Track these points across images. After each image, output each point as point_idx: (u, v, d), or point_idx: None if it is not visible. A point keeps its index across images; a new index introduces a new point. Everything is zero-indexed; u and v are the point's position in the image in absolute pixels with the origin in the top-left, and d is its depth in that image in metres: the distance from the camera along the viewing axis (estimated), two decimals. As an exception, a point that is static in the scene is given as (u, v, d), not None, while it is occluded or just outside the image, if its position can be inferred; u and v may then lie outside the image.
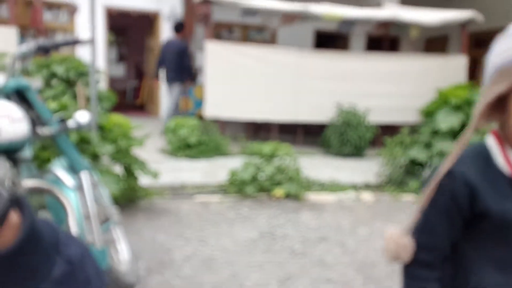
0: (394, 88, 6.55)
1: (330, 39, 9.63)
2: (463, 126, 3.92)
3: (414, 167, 4.32)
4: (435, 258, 0.80)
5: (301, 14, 5.97)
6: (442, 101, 4.13)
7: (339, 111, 6.02)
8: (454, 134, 3.95)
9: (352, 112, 5.95)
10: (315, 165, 4.99)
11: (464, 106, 3.92)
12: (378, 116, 6.24)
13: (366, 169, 5.20)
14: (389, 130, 7.59)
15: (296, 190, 3.81)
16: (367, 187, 4.50)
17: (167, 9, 8.29)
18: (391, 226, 0.87)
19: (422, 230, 0.81)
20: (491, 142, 0.77)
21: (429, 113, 4.29)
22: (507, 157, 0.74)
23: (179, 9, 8.37)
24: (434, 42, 10.22)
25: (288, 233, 3.12)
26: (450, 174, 0.77)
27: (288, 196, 3.85)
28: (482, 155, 0.76)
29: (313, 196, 3.96)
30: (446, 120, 3.93)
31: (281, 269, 2.55)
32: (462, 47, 6.93)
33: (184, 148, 5.12)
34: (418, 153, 4.15)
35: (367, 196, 4.09)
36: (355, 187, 4.42)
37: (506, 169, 0.74)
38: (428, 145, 4.16)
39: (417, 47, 10.15)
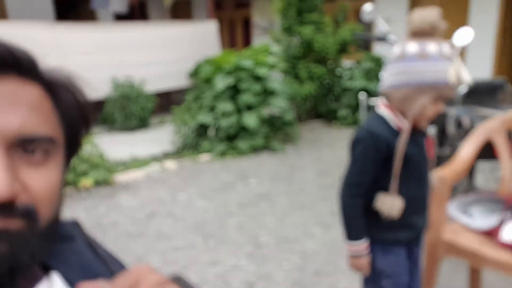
0: (162, 55, 6.96)
1: (71, 8, 9.01)
2: (235, 87, 4.72)
3: (203, 130, 4.95)
4: (363, 190, 1.29)
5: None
6: (216, 68, 4.80)
7: (115, 85, 6.01)
8: (230, 95, 4.72)
9: (129, 85, 6.05)
10: (107, 145, 4.98)
11: (235, 71, 4.70)
12: (151, 84, 6.53)
13: (158, 139, 5.55)
14: (164, 96, 8.05)
15: (104, 175, 3.83)
16: (167, 156, 4.88)
17: None
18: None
19: (357, 173, 1.28)
20: (386, 113, 1.27)
21: (207, 80, 4.91)
22: (398, 119, 1.27)
23: None
24: (179, 7, 10.98)
25: (116, 219, 3.22)
26: (373, 135, 1.25)
27: (97, 183, 3.84)
28: (382, 121, 1.28)
29: (122, 177, 4.07)
30: (222, 84, 4.63)
31: (126, 254, 2.71)
32: (208, 12, 7.90)
33: None
34: (204, 117, 4.76)
35: (170, 164, 4.48)
36: (156, 159, 4.73)
37: (397, 127, 1.27)
38: (211, 108, 4.81)
39: (165, 14, 10.68)
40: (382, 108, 1.30)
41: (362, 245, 1.31)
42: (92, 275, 0.60)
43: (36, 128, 0.48)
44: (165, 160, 4.70)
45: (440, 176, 1.80)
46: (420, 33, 1.18)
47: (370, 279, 1.39)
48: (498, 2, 6.06)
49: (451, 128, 2.33)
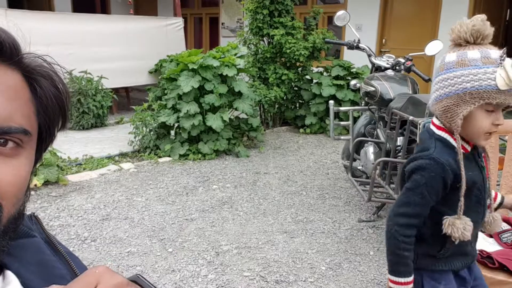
0: (123, 51, 6.83)
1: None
2: (201, 88, 4.70)
3: (165, 131, 4.88)
4: (420, 222, 1.21)
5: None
6: (181, 66, 4.75)
7: (70, 79, 5.83)
8: (195, 95, 4.68)
9: (85, 80, 5.88)
10: (60, 143, 4.81)
11: (200, 70, 4.67)
12: (110, 81, 6.37)
13: (115, 138, 5.42)
14: (123, 94, 7.89)
15: (56, 175, 3.69)
16: (124, 156, 4.77)
17: None
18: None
19: (416, 204, 1.20)
20: (442, 134, 1.19)
21: (171, 78, 4.85)
22: (456, 141, 1.17)
23: None
24: (143, 2, 10.84)
25: (68, 221, 3.11)
26: (438, 162, 1.17)
27: (48, 183, 3.70)
28: (444, 145, 1.19)
29: (75, 177, 3.94)
30: (187, 84, 4.60)
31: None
32: (175, 8, 7.84)
33: None
34: (167, 117, 4.69)
35: (127, 166, 4.38)
36: (113, 159, 4.62)
37: (460, 150, 1.16)
38: (174, 109, 4.76)
39: (128, 8, 10.47)
40: (435, 129, 1.22)
41: (409, 281, 1.24)
42: (50, 274, 0.58)
43: (11, 118, 0.47)
44: (122, 161, 4.60)
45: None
46: (460, 42, 1.14)
47: None
48: (467, 15, 6.39)
49: (419, 139, 2.42)
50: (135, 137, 4.88)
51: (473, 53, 1.12)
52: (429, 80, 3.37)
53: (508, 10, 6.91)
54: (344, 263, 2.63)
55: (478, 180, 1.22)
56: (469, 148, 1.21)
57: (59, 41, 5.88)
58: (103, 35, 6.60)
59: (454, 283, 1.30)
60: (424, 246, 1.26)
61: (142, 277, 0.50)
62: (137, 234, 2.98)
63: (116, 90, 6.93)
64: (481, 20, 1.12)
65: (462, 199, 1.17)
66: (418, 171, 1.20)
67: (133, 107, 5.10)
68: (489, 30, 1.12)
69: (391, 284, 1.25)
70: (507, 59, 1.08)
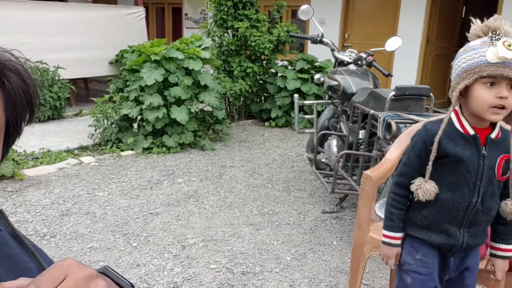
0: (81, 40, 6.63)
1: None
2: (165, 80, 4.65)
3: (127, 123, 4.80)
4: (408, 182, 1.37)
5: None
6: (143, 57, 4.68)
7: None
8: (159, 87, 4.63)
9: (41, 70, 5.68)
10: (15, 136, 4.64)
11: (163, 62, 4.62)
12: (68, 71, 6.18)
13: (74, 131, 5.29)
14: (82, 85, 7.67)
15: (11, 169, 3.57)
16: (84, 150, 4.66)
17: None
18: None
19: (404, 164, 1.40)
20: (453, 115, 1.33)
21: (132, 70, 4.77)
22: (461, 123, 1.31)
23: None
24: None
25: (25, 217, 3.02)
26: (426, 129, 1.35)
27: (2, 178, 3.57)
28: (448, 122, 1.32)
29: (31, 172, 3.82)
30: (150, 77, 4.54)
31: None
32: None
33: None
34: (129, 110, 4.62)
35: (88, 159, 4.28)
36: (72, 153, 4.50)
37: (460, 129, 1.31)
38: (137, 101, 4.69)
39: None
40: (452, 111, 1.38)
41: (395, 236, 1.43)
42: (18, 267, 0.59)
43: None
44: (82, 155, 4.50)
45: (366, 177, 1.95)
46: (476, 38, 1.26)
47: (399, 271, 1.49)
48: (424, 15, 6.65)
49: (380, 132, 2.53)
50: (95, 130, 4.78)
51: (475, 41, 1.26)
52: (389, 75, 3.51)
53: (464, 8, 7.23)
54: (308, 253, 2.71)
55: (467, 161, 1.30)
56: (471, 132, 1.30)
57: (12, 30, 5.65)
58: (60, 24, 6.39)
59: (433, 258, 1.40)
60: (409, 212, 1.43)
61: (111, 268, 0.51)
62: (99, 229, 2.94)
63: (74, 81, 6.74)
64: (493, 18, 1.24)
65: (430, 163, 1.31)
66: (413, 137, 1.41)
67: (93, 99, 4.98)
68: (500, 24, 1.21)
69: (382, 238, 1.46)
70: (501, 39, 1.19)
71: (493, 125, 1.32)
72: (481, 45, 1.22)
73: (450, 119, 1.33)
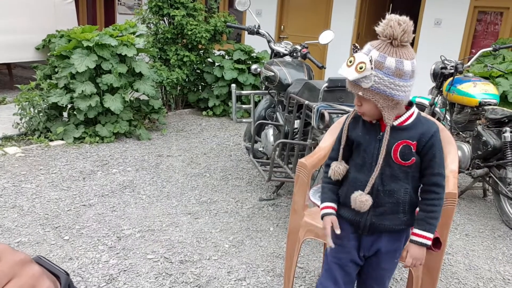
0: (2, 23, 6.12)
1: None
2: (98, 67, 4.44)
3: (57, 112, 4.54)
4: (329, 161, 1.54)
5: None
6: (73, 43, 4.43)
7: None
8: (91, 77, 4.42)
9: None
10: None
11: (96, 48, 4.41)
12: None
13: (-3, 120, 4.91)
14: (5, 71, 7.12)
15: None
16: (8, 140, 4.35)
17: None
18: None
19: (332, 148, 1.56)
20: None
21: (61, 56, 4.50)
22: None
23: None
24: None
25: None
26: (344, 119, 1.54)
27: None
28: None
29: None
30: (82, 63, 4.31)
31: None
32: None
33: None
34: (58, 98, 4.37)
35: (13, 150, 4.01)
36: (-5, 143, 4.18)
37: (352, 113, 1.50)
38: (67, 89, 4.44)
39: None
40: None
41: (327, 205, 1.54)
42: None
43: None
44: (6, 145, 4.19)
45: (301, 165, 2.02)
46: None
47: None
48: (354, 11, 6.92)
49: (314, 122, 2.61)
50: (21, 119, 4.47)
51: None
52: (323, 67, 3.62)
53: (391, 4, 7.61)
54: (246, 240, 2.76)
55: (365, 144, 1.45)
56: (374, 121, 1.44)
57: None
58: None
59: (347, 233, 1.51)
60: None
61: (44, 258, 0.50)
62: (27, 223, 2.78)
63: (-4, 67, 6.24)
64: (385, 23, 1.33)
65: (341, 146, 1.49)
66: None
67: (18, 86, 4.65)
68: (391, 31, 1.29)
69: (321, 212, 1.56)
70: (351, 56, 1.36)
71: (403, 114, 1.41)
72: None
73: None
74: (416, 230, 1.44)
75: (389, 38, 1.29)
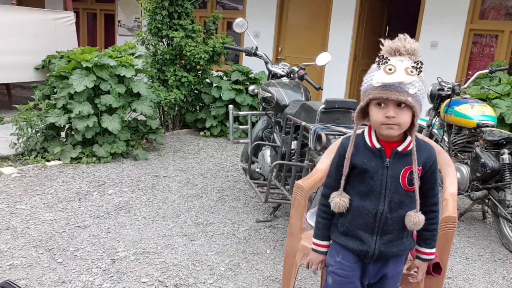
0: (3, 44, 6.17)
1: None
2: (97, 88, 4.45)
3: (54, 132, 4.52)
4: (330, 193, 1.45)
5: None
6: (73, 64, 4.45)
7: None
8: (89, 97, 4.42)
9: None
10: None
11: (95, 69, 4.42)
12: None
13: (-7, 140, 4.88)
14: (2, 90, 7.13)
15: None
16: (5, 160, 4.32)
17: None
18: None
19: (328, 176, 1.51)
20: (365, 130, 1.43)
21: (60, 77, 4.51)
22: (370, 137, 1.41)
23: None
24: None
25: None
26: (341, 143, 1.46)
27: None
28: (361, 137, 1.43)
29: None
30: (80, 84, 4.31)
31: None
32: (65, 1, 7.34)
33: None
34: (56, 118, 4.35)
35: (9, 170, 3.97)
36: (-9, 163, 4.15)
37: (368, 143, 1.40)
38: (65, 109, 4.43)
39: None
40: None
41: (321, 244, 1.52)
42: None
43: None
44: (2, 165, 4.16)
45: (298, 187, 1.99)
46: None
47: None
48: (351, 34, 6.99)
49: (311, 143, 2.60)
50: (18, 139, 4.45)
51: (374, 64, 1.35)
52: (320, 88, 3.63)
53: (388, 27, 7.71)
54: (242, 263, 2.70)
55: (372, 171, 1.39)
56: (377, 146, 1.40)
57: None
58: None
59: (352, 262, 1.46)
60: (334, 219, 1.51)
61: (12, 283, 0.48)
62: (20, 245, 2.73)
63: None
64: (397, 39, 1.32)
65: (343, 178, 1.42)
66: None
67: (16, 106, 4.64)
68: (398, 45, 1.29)
69: (312, 245, 1.55)
70: (386, 63, 1.30)
71: (404, 138, 1.39)
72: (375, 68, 1.33)
73: (362, 134, 1.44)
74: (425, 249, 1.49)
75: (409, 53, 1.30)
